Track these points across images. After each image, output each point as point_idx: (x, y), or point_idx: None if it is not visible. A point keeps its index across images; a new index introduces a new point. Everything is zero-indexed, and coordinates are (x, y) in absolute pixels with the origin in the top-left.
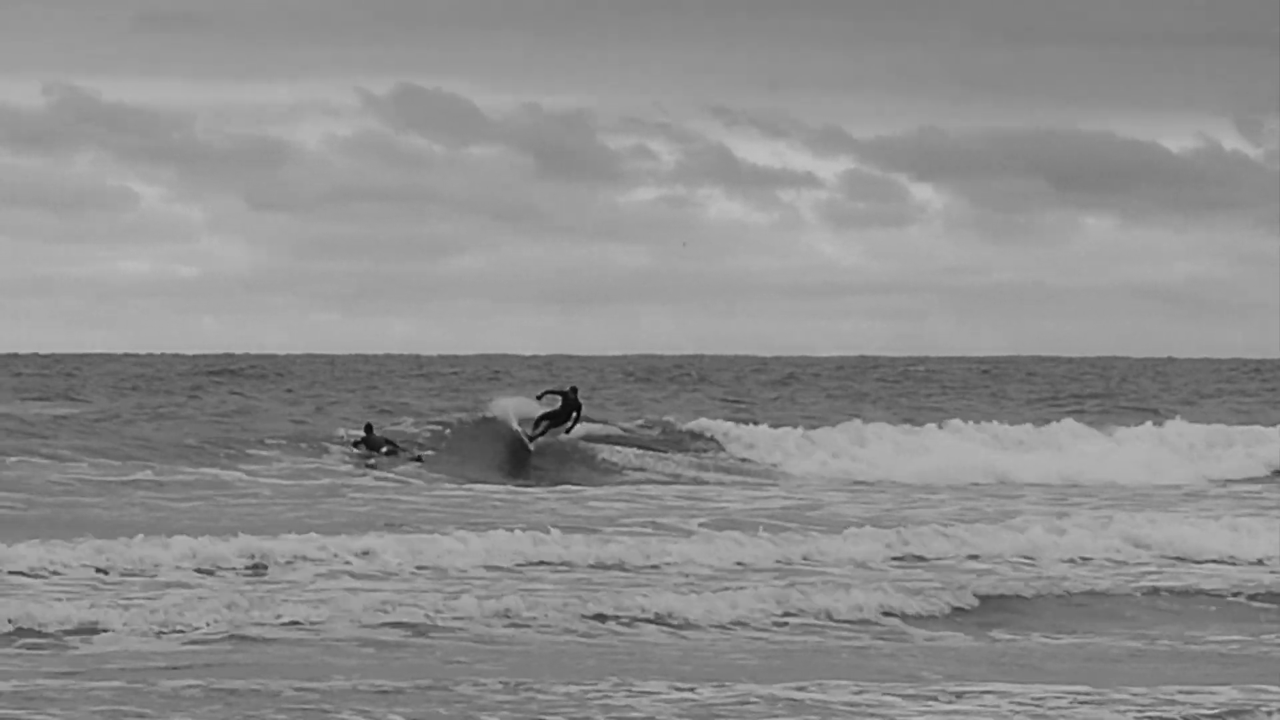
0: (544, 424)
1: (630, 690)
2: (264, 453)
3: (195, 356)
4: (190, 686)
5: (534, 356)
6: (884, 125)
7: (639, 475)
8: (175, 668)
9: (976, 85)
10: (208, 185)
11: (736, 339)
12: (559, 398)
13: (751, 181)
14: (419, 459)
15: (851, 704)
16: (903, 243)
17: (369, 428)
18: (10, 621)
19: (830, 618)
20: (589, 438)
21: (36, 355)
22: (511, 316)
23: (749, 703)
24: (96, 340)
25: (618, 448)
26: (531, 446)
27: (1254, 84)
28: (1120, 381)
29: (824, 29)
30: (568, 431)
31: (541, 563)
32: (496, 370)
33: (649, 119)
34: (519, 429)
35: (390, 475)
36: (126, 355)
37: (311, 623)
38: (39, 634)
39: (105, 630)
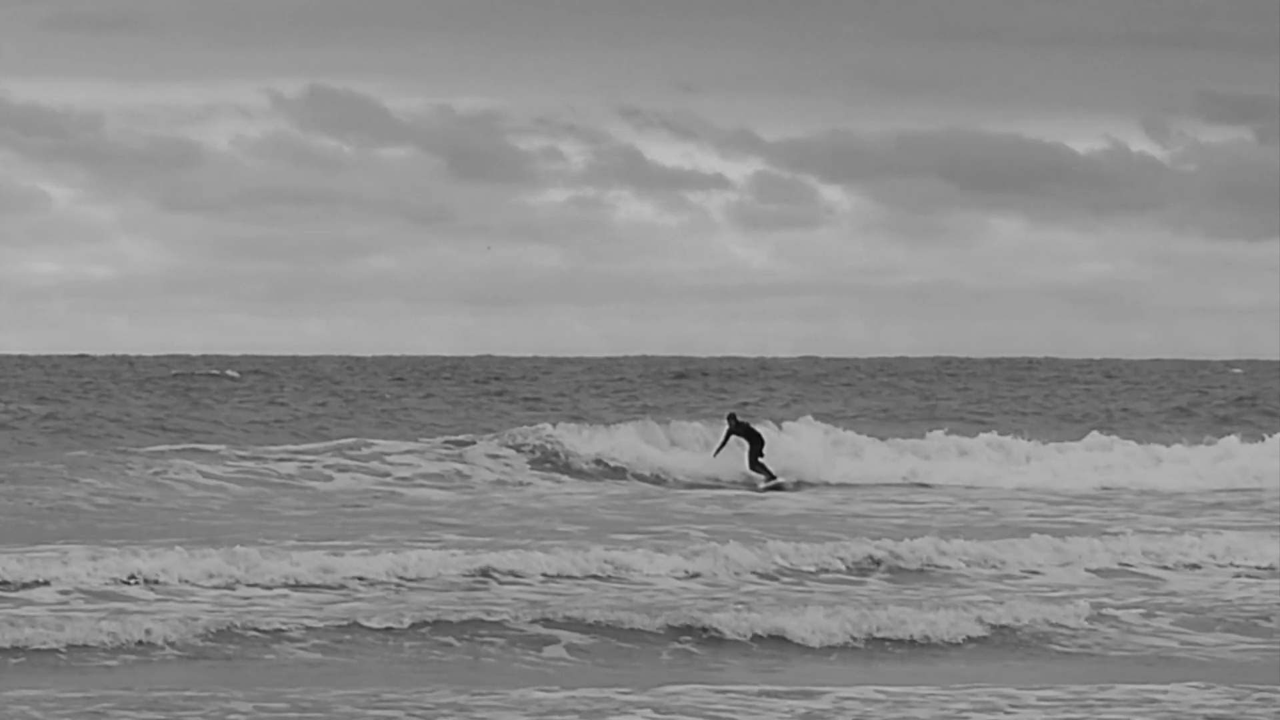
0: (757, 462)
1: None
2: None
3: (104, 358)
4: None
5: (448, 358)
6: (793, 127)
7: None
8: None
9: (885, 87)
10: (120, 186)
11: (646, 340)
12: (733, 434)
13: (661, 183)
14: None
15: None
16: (812, 244)
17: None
18: None
19: None
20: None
21: None
22: (425, 318)
23: None
24: (9, 342)
25: None
26: (767, 481)
27: (1161, 86)
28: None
29: (734, 30)
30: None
31: None
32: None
33: (559, 120)
34: (758, 479)
35: None
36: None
37: None
38: None
39: None
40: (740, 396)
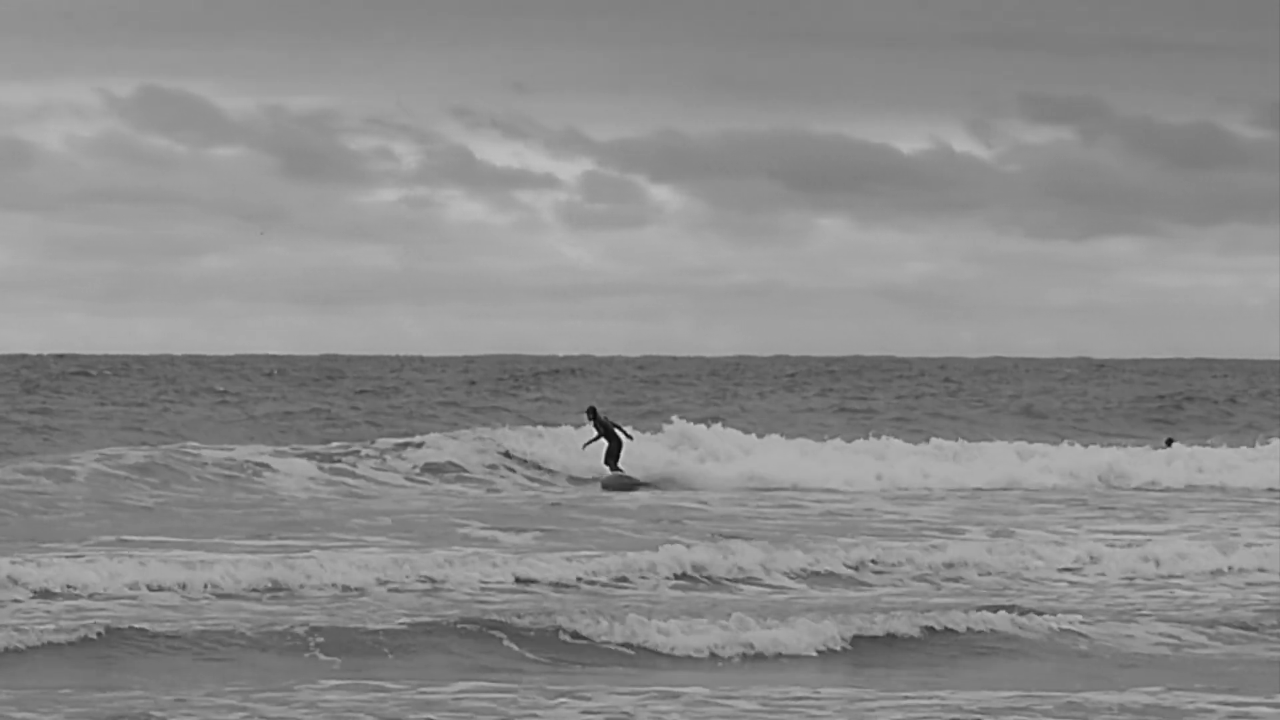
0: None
1: None
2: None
3: None
4: None
5: (282, 356)
6: (622, 127)
7: None
8: None
9: (714, 88)
10: None
11: (477, 339)
12: (595, 430)
13: (491, 183)
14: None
15: None
16: (641, 244)
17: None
18: None
19: None
20: None
21: None
22: (259, 317)
23: None
24: None
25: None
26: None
27: (985, 87)
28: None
29: (564, 31)
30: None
31: None
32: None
33: (391, 120)
34: (620, 477)
35: None
36: None
37: None
38: None
39: None
40: (594, 395)
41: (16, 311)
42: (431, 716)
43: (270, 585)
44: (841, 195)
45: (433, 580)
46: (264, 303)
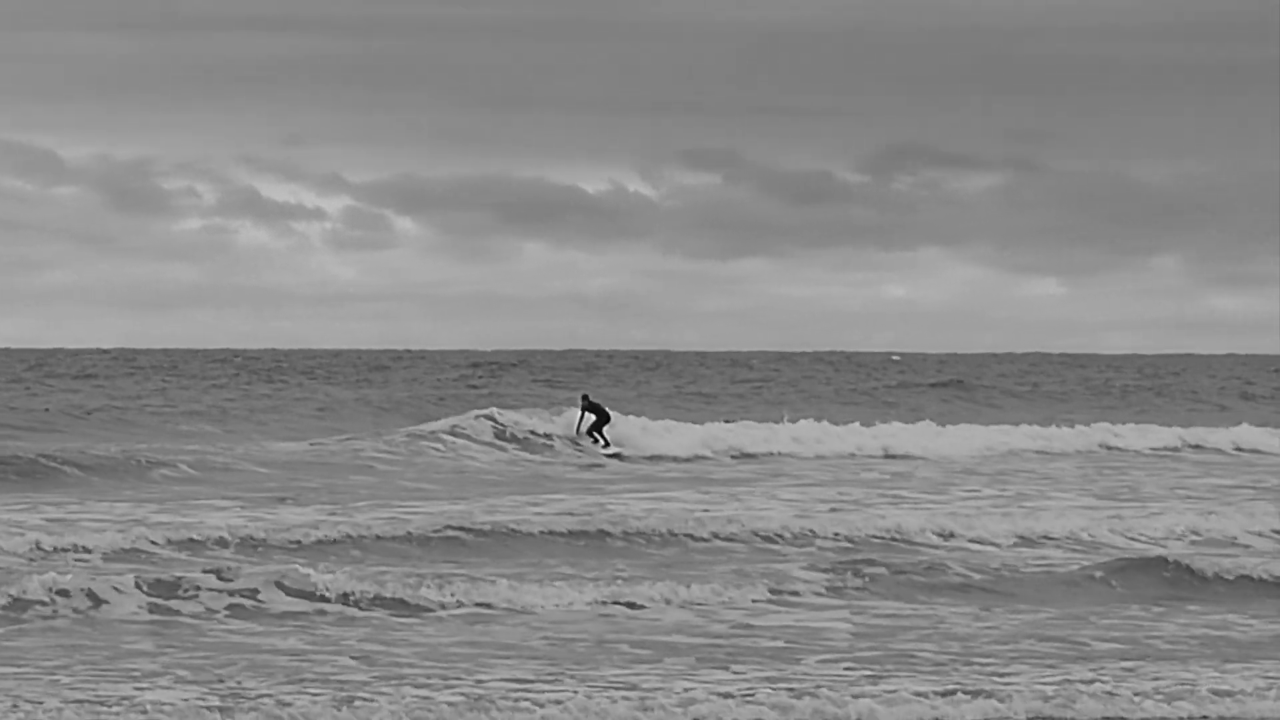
0: (600, 433)
1: None
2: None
3: None
4: None
5: (112, 350)
6: (374, 172)
7: None
8: None
9: (444, 141)
10: None
11: (262, 337)
12: (586, 411)
13: (273, 215)
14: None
15: None
16: (388, 263)
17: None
18: None
19: None
20: None
21: None
22: (91, 320)
23: None
24: None
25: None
26: (603, 449)
27: (651, 142)
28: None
29: (327, 96)
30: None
31: None
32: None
33: (195, 166)
34: (590, 438)
35: None
36: None
37: None
38: None
39: None
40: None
41: None
42: None
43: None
44: (542, 225)
45: None
46: (96, 308)
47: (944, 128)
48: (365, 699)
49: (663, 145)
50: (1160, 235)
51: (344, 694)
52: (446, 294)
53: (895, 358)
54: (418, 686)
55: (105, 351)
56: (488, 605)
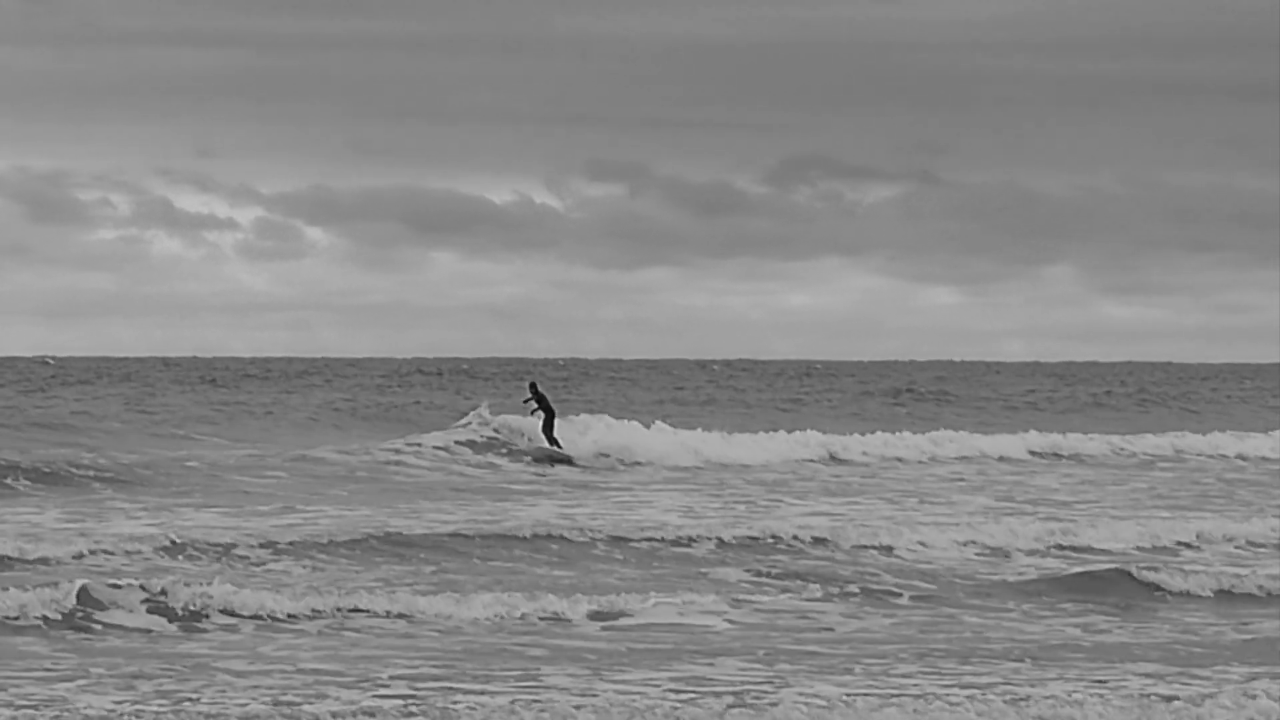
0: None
1: None
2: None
3: None
4: None
5: (31, 357)
6: (285, 183)
7: None
8: None
9: (354, 153)
10: None
11: (175, 345)
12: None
13: (186, 225)
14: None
15: None
16: (299, 272)
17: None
18: None
19: None
20: None
21: None
22: (11, 327)
23: None
24: None
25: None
26: (564, 450)
27: (557, 154)
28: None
29: (240, 110)
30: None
31: None
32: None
33: (110, 178)
34: (549, 448)
35: None
36: None
37: None
38: None
39: None
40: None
41: None
42: None
43: None
44: (451, 235)
45: None
46: (15, 315)
47: (845, 140)
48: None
49: (569, 157)
50: (1055, 245)
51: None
52: (357, 303)
53: (815, 369)
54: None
55: (31, 359)
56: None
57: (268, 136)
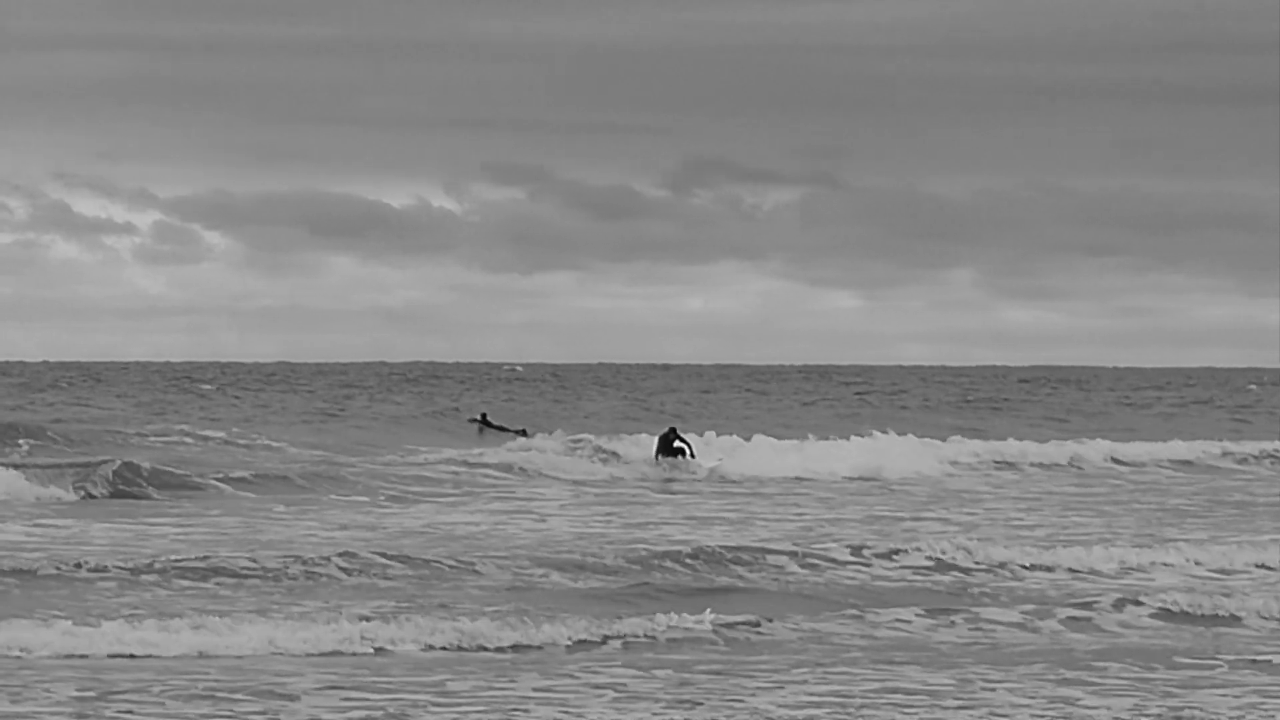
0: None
1: None
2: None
3: None
4: None
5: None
6: (184, 187)
7: None
8: None
9: (254, 158)
10: None
11: (73, 349)
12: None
13: (84, 230)
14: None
15: None
16: (197, 276)
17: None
18: None
19: None
20: None
21: None
22: None
23: None
24: None
25: None
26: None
27: (456, 158)
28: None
29: (138, 114)
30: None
31: None
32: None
33: (7, 181)
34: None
35: None
36: None
37: None
38: None
39: None
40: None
41: None
42: None
43: None
44: (348, 239)
45: None
46: None
47: (744, 144)
48: None
49: (467, 160)
50: (955, 249)
51: None
52: (254, 306)
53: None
54: None
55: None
56: None
57: (166, 140)
